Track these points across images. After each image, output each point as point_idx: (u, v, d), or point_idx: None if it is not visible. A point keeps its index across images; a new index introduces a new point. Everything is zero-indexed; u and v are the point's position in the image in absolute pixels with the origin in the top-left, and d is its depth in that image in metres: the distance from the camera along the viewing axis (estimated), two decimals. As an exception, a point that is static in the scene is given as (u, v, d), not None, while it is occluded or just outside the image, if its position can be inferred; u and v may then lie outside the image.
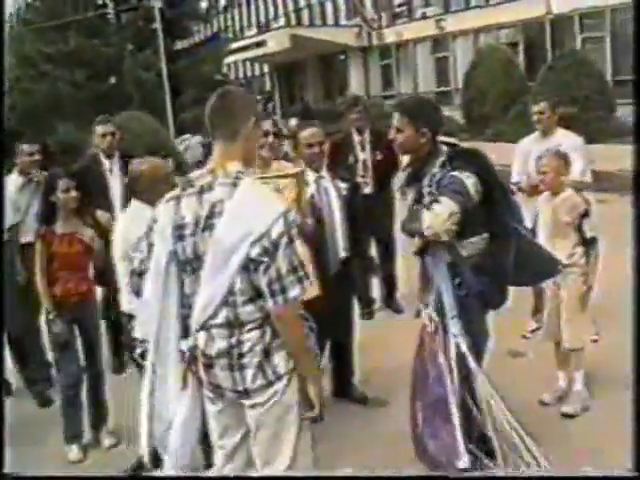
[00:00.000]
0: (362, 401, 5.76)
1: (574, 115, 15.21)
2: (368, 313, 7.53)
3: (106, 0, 31.32)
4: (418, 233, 4.11)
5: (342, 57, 39.17)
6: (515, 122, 19.11)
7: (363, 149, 7.64)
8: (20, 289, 6.15)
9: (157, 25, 28.55)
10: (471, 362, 4.10)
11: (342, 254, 5.46)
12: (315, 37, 36.48)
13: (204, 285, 3.10)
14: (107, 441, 5.50)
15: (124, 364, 6.85)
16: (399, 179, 4.56)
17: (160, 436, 3.37)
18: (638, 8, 4.51)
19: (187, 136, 23.38)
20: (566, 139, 6.49)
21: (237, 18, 50.27)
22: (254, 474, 3.34)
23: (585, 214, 5.33)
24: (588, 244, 5.35)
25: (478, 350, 4.23)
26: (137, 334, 4.24)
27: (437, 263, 4.19)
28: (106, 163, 6.76)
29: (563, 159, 5.51)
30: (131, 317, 4.45)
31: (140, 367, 4.00)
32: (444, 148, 4.22)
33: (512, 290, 4.49)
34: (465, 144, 4.72)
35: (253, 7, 48.60)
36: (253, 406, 3.19)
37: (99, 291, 6.01)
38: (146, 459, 3.50)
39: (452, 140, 4.39)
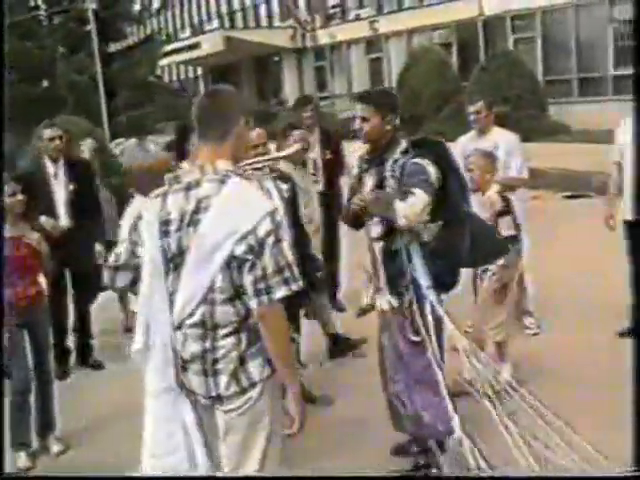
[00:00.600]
0: (311, 401, 5.83)
1: (506, 114, 15.49)
2: (313, 312, 7.56)
3: (38, 2, 30.82)
4: (391, 221, 4.23)
5: (276, 59, 39.21)
6: (448, 121, 19.42)
7: (313, 148, 7.69)
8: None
9: (91, 27, 28.16)
10: (448, 324, 4.25)
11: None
12: (249, 39, 36.46)
13: (185, 282, 3.06)
14: (55, 447, 5.45)
15: (69, 370, 6.83)
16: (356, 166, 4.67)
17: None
18: (638, 7, 4.63)
19: (122, 140, 23.15)
20: (502, 137, 6.63)
21: (170, 20, 49.90)
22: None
23: (503, 213, 5.45)
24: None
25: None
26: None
27: (409, 244, 4.31)
28: (51, 168, 6.72)
29: (490, 158, 5.67)
30: None
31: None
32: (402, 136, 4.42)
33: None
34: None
35: (187, 9, 48.34)
36: (226, 412, 3.15)
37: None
38: None
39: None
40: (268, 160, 4.31)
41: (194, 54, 38.93)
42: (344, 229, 6.26)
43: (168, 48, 36.65)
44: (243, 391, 3.10)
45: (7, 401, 5.23)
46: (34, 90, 27.87)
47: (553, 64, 24.36)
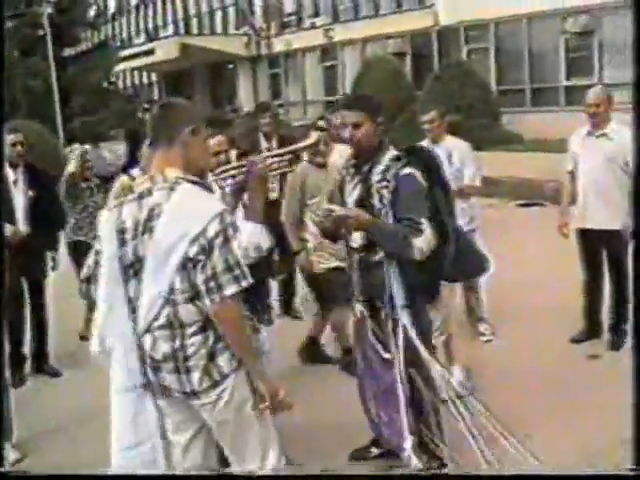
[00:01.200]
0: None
1: (459, 123, 15.64)
2: (268, 320, 7.56)
3: (-7, 5, 30.41)
4: (405, 255, 4.11)
5: (231, 66, 39.09)
6: (402, 129, 19.55)
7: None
8: None
9: (47, 31, 27.89)
10: (422, 352, 4.20)
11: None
12: (204, 46, 36.27)
13: (147, 286, 3.22)
14: (12, 455, 5.41)
15: (24, 378, 6.77)
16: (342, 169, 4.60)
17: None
18: (638, 8, 4.69)
19: (77, 145, 22.90)
20: (455, 145, 6.72)
21: (125, 26, 49.56)
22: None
23: None
24: None
25: (427, 339, 4.38)
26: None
27: (390, 260, 4.23)
28: (10, 174, 6.64)
29: None
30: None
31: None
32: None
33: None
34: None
35: (142, 15, 48.03)
36: (203, 406, 3.31)
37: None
38: None
39: None
40: (289, 152, 4.25)
41: (148, 60, 38.61)
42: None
43: (123, 54, 36.42)
44: (215, 384, 3.26)
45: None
46: (-14, 94, 27.46)
47: (506, 74, 24.64)
